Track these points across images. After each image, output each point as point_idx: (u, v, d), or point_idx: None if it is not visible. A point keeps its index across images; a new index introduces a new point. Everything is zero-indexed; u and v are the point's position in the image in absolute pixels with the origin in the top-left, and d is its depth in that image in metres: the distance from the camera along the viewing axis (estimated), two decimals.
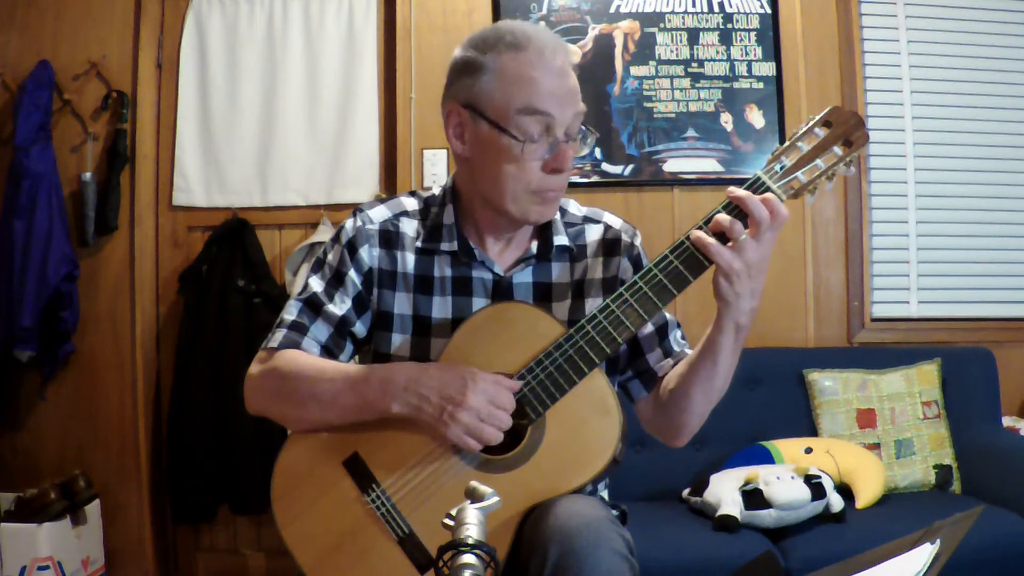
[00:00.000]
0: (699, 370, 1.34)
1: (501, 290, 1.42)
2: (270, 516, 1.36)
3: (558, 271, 1.45)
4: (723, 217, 1.22)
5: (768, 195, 1.22)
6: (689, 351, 1.45)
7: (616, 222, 1.51)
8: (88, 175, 3.04)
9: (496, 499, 0.98)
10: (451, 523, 0.94)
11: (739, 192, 1.22)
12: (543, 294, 1.44)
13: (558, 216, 1.46)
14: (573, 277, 1.46)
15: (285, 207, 3.15)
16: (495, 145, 1.33)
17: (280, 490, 1.35)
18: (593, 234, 1.48)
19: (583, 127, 1.37)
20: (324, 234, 3.01)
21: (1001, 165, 3.19)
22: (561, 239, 1.45)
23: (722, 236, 1.23)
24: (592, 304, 1.44)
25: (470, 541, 0.88)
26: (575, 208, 1.51)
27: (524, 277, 1.43)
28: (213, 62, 3.16)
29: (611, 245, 1.48)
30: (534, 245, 1.44)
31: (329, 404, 1.32)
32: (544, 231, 1.44)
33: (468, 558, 0.87)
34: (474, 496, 0.99)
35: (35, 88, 2.97)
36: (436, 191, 1.49)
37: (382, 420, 1.31)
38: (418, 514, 1.30)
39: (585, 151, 1.40)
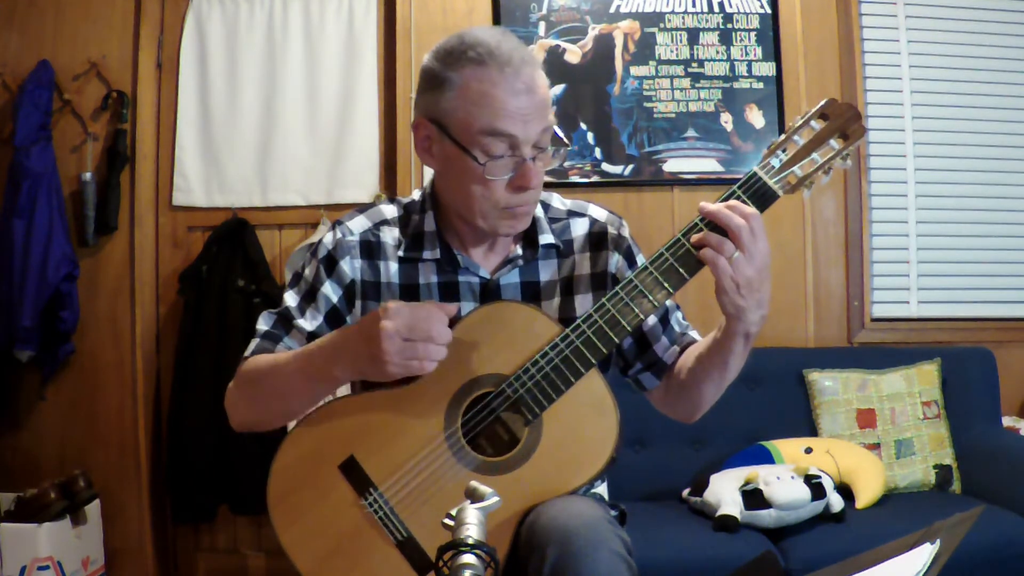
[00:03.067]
0: (710, 370, 1.35)
1: (489, 293, 1.41)
2: (269, 517, 1.35)
3: (545, 270, 1.44)
4: (713, 237, 1.22)
5: (733, 202, 1.23)
6: (692, 332, 1.47)
7: (601, 214, 1.49)
8: (88, 175, 3.03)
9: (496, 499, 0.97)
10: (451, 523, 0.94)
11: (710, 207, 1.23)
12: (532, 294, 1.43)
13: (542, 212, 1.45)
14: (561, 275, 1.44)
15: (285, 207, 3.14)
16: (460, 164, 1.31)
17: (277, 495, 1.35)
18: (579, 228, 1.47)
19: (556, 137, 1.33)
20: (323, 234, 3.01)
21: (1001, 165, 3.18)
22: (547, 237, 1.43)
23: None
24: (581, 300, 1.43)
25: (470, 541, 0.88)
26: (559, 202, 1.49)
27: (511, 278, 1.42)
28: (213, 62, 3.16)
29: (598, 239, 1.46)
30: (519, 246, 1.43)
31: (287, 391, 1.33)
32: (529, 230, 1.42)
33: (468, 558, 0.87)
34: (474, 496, 0.98)
35: (35, 88, 2.97)
36: (416, 196, 1.47)
37: (378, 422, 1.31)
38: (416, 517, 1.29)
39: (556, 163, 1.38)
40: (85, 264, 3.05)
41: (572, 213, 1.48)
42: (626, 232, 1.49)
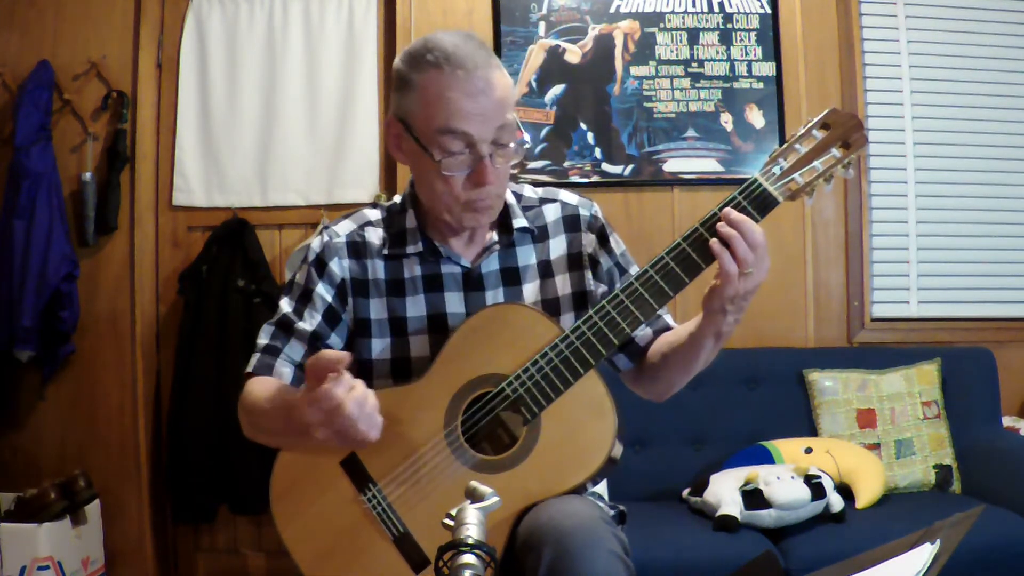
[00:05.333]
0: (680, 359, 1.40)
1: (472, 281, 1.44)
2: (270, 516, 1.37)
3: (523, 254, 1.47)
4: (741, 245, 1.23)
5: (744, 219, 1.25)
6: (667, 317, 1.51)
7: (572, 199, 1.54)
8: (88, 175, 3.03)
9: (496, 499, 0.98)
10: (451, 523, 0.94)
11: (736, 215, 1.24)
12: (512, 278, 1.46)
13: (514, 200, 1.49)
14: (538, 258, 1.48)
15: (285, 207, 3.15)
16: (423, 161, 1.36)
17: (279, 490, 1.36)
18: (551, 214, 1.51)
19: (519, 131, 1.37)
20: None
21: (1001, 165, 3.18)
22: (520, 221, 1.47)
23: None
24: (561, 282, 1.47)
25: (470, 541, 0.88)
26: (530, 191, 1.54)
27: (491, 265, 1.46)
28: (213, 62, 3.16)
29: (572, 222, 1.51)
30: (495, 233, 1.46)
31: (282, 436, 1.34)
32: (503, 217, 1.47)
33: (468, 558, 0.87)
34: (474, 496, 0.99)
35: (35, 88, 2.97)
36: (397, 199, 1.52)
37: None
38: (413, 514, 1.30)
39: (517, 159, 1.41)
40: (85, 264, 3.05)
41: (544, 200, 1.53)
42: (598, 212, 1.54)
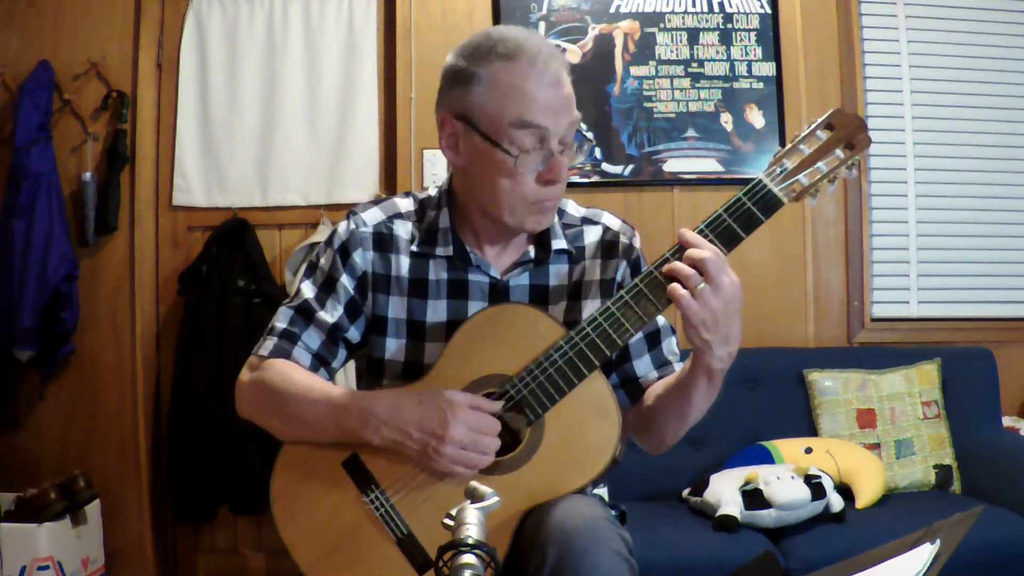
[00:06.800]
0: (673, 403, 1.35)
1: (498, 294, 1.41)
2: (270, 516, 1.36)
3: (556, 274, 1.44)
4: (680, 267, 1.21)
5: (699, 238, 1.22)
6: (677, 365, 1.45)
7: (615, 223, 1.50)
8: (88, 175, 3.03)
9: (496, 499, 0.98)
10: (451, 523, 0.94)
11: (688, 235, 1.22)
12: (540, 297, 1.43)
13: (556, 218, 1.45)
14: (571, 279, 1.45)
15: (285, 207, 3.14)
16: (489, 158, 1.31)
17: (280, 490, 1.36)
18: (592, 235, 1.47)
19: (579, 133, 1.35)
20: (324, 234, 3.01)
21: (1001, 165, 3.18)
22: (559, 243, 1.44)
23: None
24: (589, 305, 1.43)
25: (470, 541, 0.88)
26: (573, 209, 1.50)
27: (521, 280, 1.42)
28: (213, 62, 3.16)
29: (610, 247, 1.47)
30: (532, 249, 1.43)
31: (312, 426, 1.33)
32: (542, 234, 1.43)
33: (468, 558, 0.87)
34: (474, 496, 0.99)
35: (35, 88, 2.97)
36: (433, 192, 1.47)
37: None
38: (417, 515, 1.30)
39: (581, 158, 1.40)
40: (85, 264, 3.05)
41: (586, 220, 1.49)
42: (637, 243, 1.50)
